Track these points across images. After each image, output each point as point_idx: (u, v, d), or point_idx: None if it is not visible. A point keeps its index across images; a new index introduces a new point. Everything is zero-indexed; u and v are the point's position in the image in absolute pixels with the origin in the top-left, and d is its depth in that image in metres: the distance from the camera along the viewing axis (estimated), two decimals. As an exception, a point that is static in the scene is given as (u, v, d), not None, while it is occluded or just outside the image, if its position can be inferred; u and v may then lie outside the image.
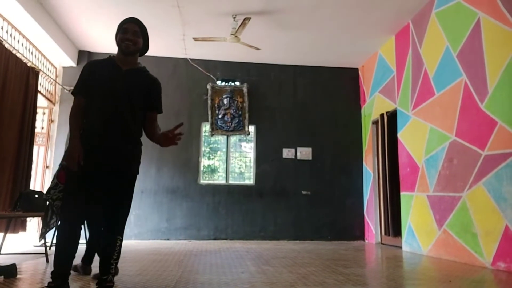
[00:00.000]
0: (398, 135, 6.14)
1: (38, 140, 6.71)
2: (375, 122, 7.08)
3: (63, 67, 7.14)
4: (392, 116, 6.45)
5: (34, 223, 6.43)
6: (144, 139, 2.75)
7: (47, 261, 4.07)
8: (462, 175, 4.57)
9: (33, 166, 6.03)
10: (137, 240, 6.74)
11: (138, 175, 2.68)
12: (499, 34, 4.11)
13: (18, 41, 5.65)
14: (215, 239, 7.01)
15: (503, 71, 4.02)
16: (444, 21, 5.06)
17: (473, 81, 4.47)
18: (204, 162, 7.49)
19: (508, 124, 3.94)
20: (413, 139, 5.72)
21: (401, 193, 5.97)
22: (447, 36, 4.98)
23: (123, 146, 2.53)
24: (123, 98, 2.51)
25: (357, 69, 7.90)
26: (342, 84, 7.82)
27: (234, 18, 5.79)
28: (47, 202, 3.52)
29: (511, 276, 3.62)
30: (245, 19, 5.53)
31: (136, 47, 2.58)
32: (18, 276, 3.23)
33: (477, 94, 4.39)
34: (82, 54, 7.20)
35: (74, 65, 7.09)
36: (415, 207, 5.58)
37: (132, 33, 2.55)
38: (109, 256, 2.47)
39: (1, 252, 4.02)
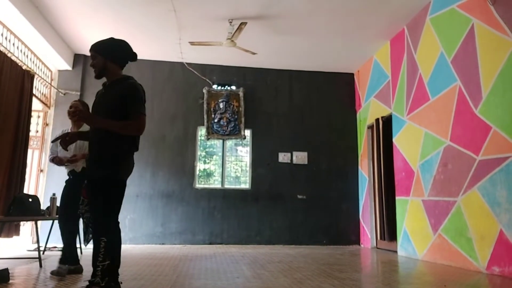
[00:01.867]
0: (393, 139, 6.16)
1: (33, 143, 6.66)
2: (370, 127, 7.10)
3: (59, 71, 7.12)
4: (387, 121, 6.48)
5: (27, 228, 6.37)
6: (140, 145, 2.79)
7: (41, 265, 4.03)
8: (456, 179, 4.59)
9: (27, 169, 5.99)
10: (132, 244, 6.69)
11: (128, 180, 2.73)
12: (493, 40, 4.15)
13: (14, 44, 5.63)
14: (210, 243, 6.98)
15: (497, 77, 4.06)
16: (439, 27, 5.11)
17: (468, 87, 4.50)
18: (200, 166, 7.47)
19: (502, 129, 3.97)
20: (408, 144, 5.75)
21: (397, 198, 5.98)
22: (442, 41, 5.02)
23: (97, 153, 2.69)
24: (100, 111, 2.72)
25: (352, 74, 7.94)
26: (337, 89, 7.85)
27: (231, 22, 5.81)
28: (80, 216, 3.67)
29: (506, 281, 3.63)
30: (241, 23, 5.55)
31: (98, 68, 2.76)
32: (10, 281, 3.20)
33: (472, 99, 4.42)
34: (78, 58, 7.18)
35: (69, 68, 7.07)
36: (410, 212, 5.60)
37: (92, 59, 2.79)
38: (95, 258, 2.52)
39: (-6, 257, 3.99)
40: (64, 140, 2.80)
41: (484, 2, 4.24)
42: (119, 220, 2.76)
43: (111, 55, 2.77)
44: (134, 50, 2.87)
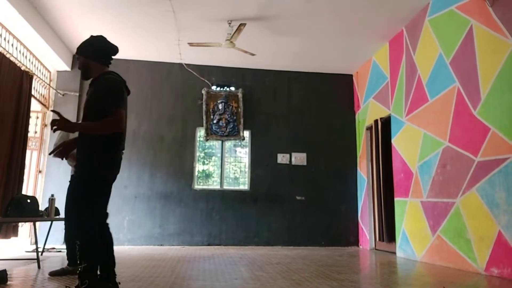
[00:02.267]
0: (392, 141, 6.16)
1: (31, 144, 6.65)
2: (369, 128, 7.11)
3: (57, 71, 7.10)
4: (386, 122, 6.48)
5: (26, 229, 6.35)
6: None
7: (39, 267, 4.02)
8: (455, 181, 4.59)
9: (26, 170, 5.97)
10: (130, 245, 6.67)
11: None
12: (491, 41, 4.16)
13: (12, 45, 5.62)
14: (208, 245, 6.97)
15: (496, 78, 4.07)
16: (437, 28, 5.12)
17: (466, 88, 4.51)
18: (199, 167, 7.46)
19: (501, 130, 3.97)
20: (406, 145, 5.75)
21: (395, 199, 5.98)
22: (440, 43, 5.03)
23: (81, 153, 2.65)
24: (84, 109, 2.72)
25: (351, 75, 7.94)
26: (336, 90, 7.86)
27: (230, 23, 5.81)
28: None
29: (504, 282, 3.63)
30: (240, 24, 5.54)
31: (83, 70, 2.80)
32: (8, 282, 3.19)
33: (470, 101, 4.43)
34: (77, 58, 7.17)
35: (68, 69, 7.06)
36: (409, 213, 5.59)
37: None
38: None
39: (-8, 258, 3.98)
40: (59, 151, 2.78)
41: (483, 3, 4.25)
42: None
43: (90, 53, 2.76)
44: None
